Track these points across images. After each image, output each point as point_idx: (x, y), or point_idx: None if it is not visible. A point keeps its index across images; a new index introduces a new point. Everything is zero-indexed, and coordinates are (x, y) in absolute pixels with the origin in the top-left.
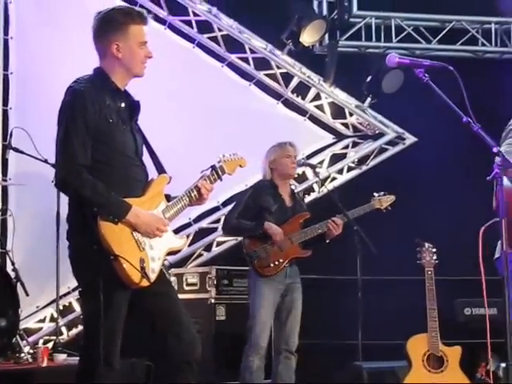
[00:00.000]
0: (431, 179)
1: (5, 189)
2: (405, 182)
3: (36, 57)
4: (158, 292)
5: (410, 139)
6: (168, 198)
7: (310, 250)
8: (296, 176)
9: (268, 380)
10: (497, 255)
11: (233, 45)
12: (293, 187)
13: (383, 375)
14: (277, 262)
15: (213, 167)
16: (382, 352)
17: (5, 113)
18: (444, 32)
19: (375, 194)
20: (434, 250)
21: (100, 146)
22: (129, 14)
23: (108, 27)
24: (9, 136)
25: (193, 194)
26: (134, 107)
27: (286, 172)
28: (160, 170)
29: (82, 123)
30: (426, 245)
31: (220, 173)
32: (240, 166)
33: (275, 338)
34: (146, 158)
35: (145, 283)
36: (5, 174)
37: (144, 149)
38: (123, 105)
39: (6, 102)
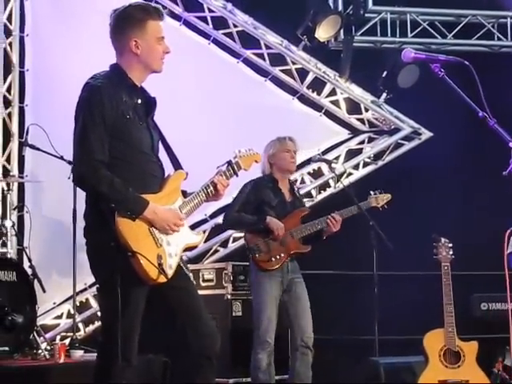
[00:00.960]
0: (447, 174)
1: (21, 186)
2: (421, 177)
3: (51, 54)
4: (176, 287)
5: (426, 134)
6: (184, 193)
7: (309, 245)
8: (312, 172)
9: (282, 376)
10: (510, 250)
11: (248, 41)
12: (296, 185)
13: (400, 371)
14: (278, 257)
15: (229, 163)
16: (399, 347)
17: (21, 110)
18: (459, 27)
19: (371, 192)
20: (451, 245)
21: (117, 142)
22: (146, 10)
23: (126, 24)
24: (25, 133)
25: (209, 190)
26: (150, 103)
27: (285, 167)
28: (176, 166)
29: (100, 119)
30: (443, 240)
31: (236, 168)
32: (256, 161)
33: (290, 334)
34: (163, 154)
35: (162, 279)
36: (21, 170)
37: (160, 145)
38: (140, 101)
39: (22, 99)
